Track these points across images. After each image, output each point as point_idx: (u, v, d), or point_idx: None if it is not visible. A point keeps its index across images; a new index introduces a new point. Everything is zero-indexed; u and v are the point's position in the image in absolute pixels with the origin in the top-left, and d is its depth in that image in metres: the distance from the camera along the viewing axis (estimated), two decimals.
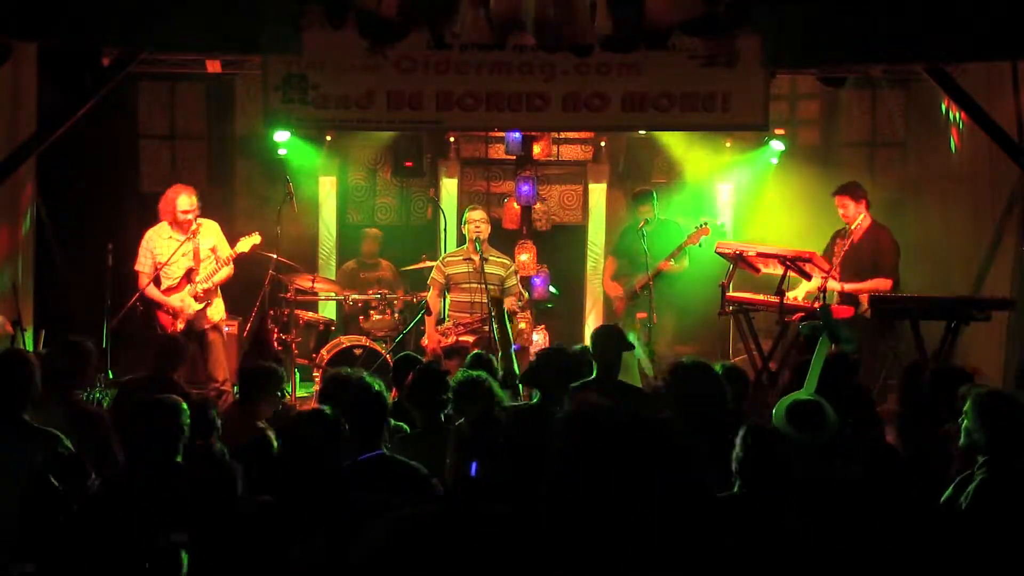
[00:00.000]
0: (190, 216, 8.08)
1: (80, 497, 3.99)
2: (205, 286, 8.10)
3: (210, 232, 8.21)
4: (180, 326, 8.05)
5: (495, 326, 7.17)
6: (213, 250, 8.17)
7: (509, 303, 8.16)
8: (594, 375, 5.70)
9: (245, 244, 8.23)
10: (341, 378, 4.99)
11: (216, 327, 8.20)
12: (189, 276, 8.08)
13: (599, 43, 7.63)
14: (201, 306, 8.09)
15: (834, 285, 7.75)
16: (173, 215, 8.08)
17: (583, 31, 7.45)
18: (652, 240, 8.81)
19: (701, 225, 8.84)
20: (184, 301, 8.06)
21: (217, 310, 8.24)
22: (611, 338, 5.89)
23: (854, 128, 10.49)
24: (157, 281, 8.09)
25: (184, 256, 8.08)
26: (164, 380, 6.13)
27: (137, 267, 8.15)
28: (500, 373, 5.81)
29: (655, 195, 9.16)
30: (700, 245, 8.69)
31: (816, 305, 7.43)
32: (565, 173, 10.68)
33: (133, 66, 7.76)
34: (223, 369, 8.13)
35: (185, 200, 8.09)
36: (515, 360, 6.15)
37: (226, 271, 8.21)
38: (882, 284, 7.74)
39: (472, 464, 3.92)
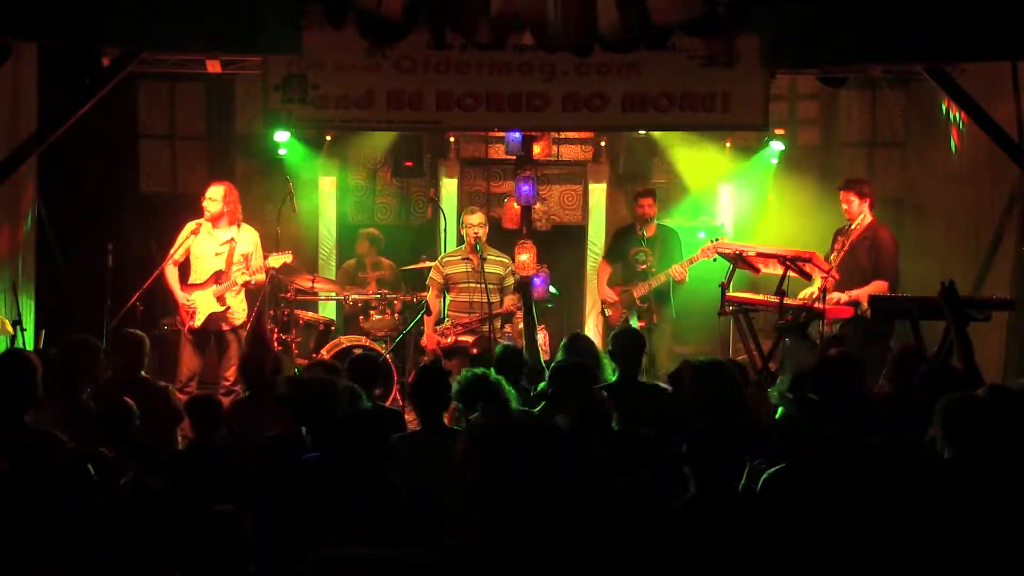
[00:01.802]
0: (215, 205, 8.05)
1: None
2: (231, 292, 8.09)
3: (248, 238, 8.21)
4: (197, 323, 8.05)
5: (523, 317, 7.16)
6: (246, 257, 8.17)
7: (509, 302, 8.16)
8: (615, 378, 5.71)
9: (277, 260, 8.20)
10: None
11: (234, 330, 8.20)
12: (218, 278, 8.08)
13: (599, 43, 7.63)
14: (223, 308, 8.09)
15: (838, 296, 7.68)
16: (202, 206, 8.11)
17: (583, 31, 7.45)
18: (657, 247, 8.77)
19: (716, 239, 8.63)
20: (191, 300, 8.05)
21: (238, 314, 8.23)
22: (632, 340, 5.92)
23: (854, 128, 10.49)
24: (185, 273, 8.11)
25: (218, 256, 8.09)
26: (135, 380, 5.99)
27: (170, 249, 8.16)
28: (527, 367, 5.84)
29: (656, 193, 9.09)
30: (715, 260, 8.37)
31: (817, 306, 7.43)
32: (565, 173, 10.68)
33: (133, 66, 7.76)
34: (234, 369, 8.13)
35: (213, 189, 8.13)
36: (540, 353, 6.15)
37: (258, 278, 8.20)
38: (879, 287, 7.70)
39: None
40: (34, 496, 3.78)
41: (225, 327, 8.15)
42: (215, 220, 8.10)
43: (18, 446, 4.26)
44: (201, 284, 8.11)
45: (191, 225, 8.15)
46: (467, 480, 2.35)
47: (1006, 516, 3.73)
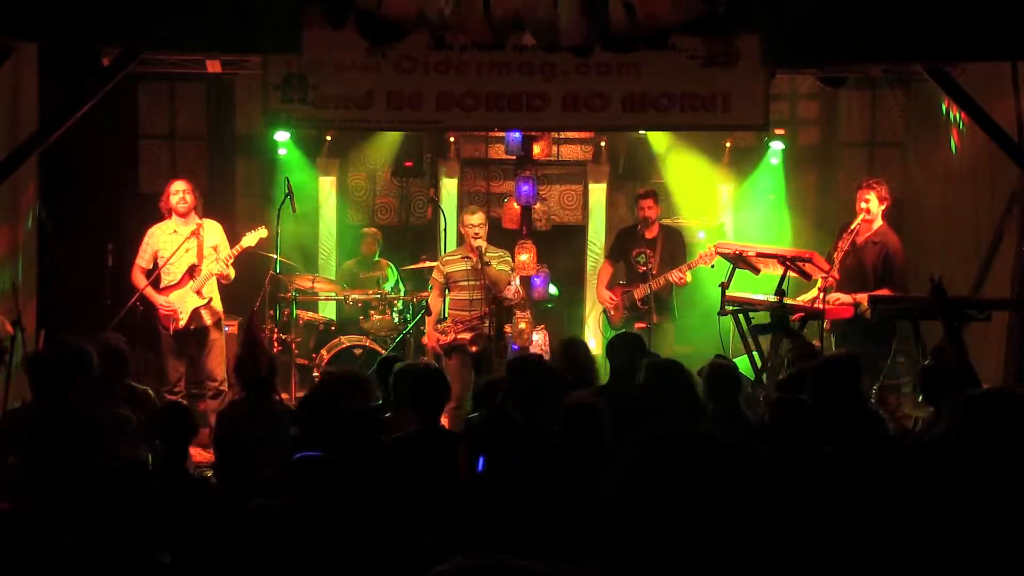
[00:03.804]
0: (185, 199, 8.04)
1: None
2: (207, 286, 8.08)
3: (213, 231, 8.20)
4: (182, 324, 8.03)
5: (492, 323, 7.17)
6: (215, 249, 8.16)
7: (508, 293, 8.17)
8: (606, 381, 5.70)
9: (252, 238, 8.17)
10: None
11: (216, 325, 8.19)
12: (192, 273, 8.07)
13: (599, 43, 7.63)
14: (204, 301, 8.07)
15: (843, 298, 7.67)
16: (168, 203, 8.09)
17: (583, 31, 7.45)
18: (659, 248, 8.74)
19: (710, 248, 8.47)
20: (172, 303, 8.03)
21: (216, 308, 8.22)
22: (626, 345, 5.90)
23: (854, 128, 10.50)
24: (156, 278, 8.07)
25: (187, 252, 8.07)
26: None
27: (136, 259, 8.15)
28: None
29: (658, 195, 9.09)
30: (712, 267, 8.29)
31: (818, 306, 7.43)
32: (565, 173, 10.69)
33: (133, 66, 7.75)
34: (221, 368, 8.11)
35: (177, 184, 8.14)
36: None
37: (230, 271, 8.18)
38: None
39: (479, 459, 3.94)
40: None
41: (209, 320, 8.11)
42: (186, 215, 8.08)
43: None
44: (177, 284, 8.06)
45: (181, 226, 8.08)
46: (625, 492, 2.25)
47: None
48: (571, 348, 6.07)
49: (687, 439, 2.26)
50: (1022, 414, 4.01)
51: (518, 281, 8.40)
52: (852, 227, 7.88)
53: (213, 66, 8.41)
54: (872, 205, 7.85)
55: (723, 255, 8.08)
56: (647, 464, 2.18)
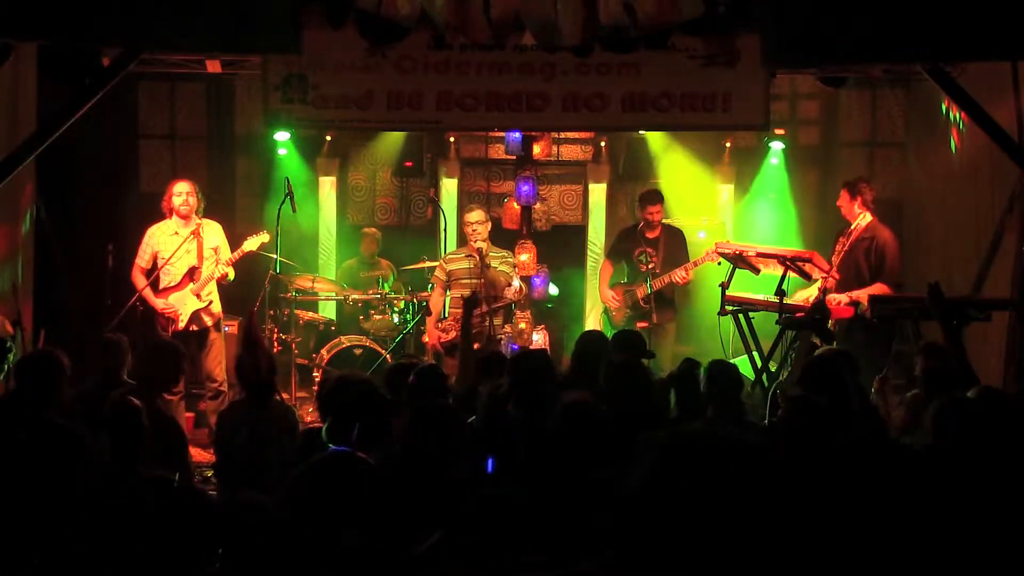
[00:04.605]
0: (188, 201, 8.02)
1: None
2: (206, 288, 8.07)
3: (214, 232, 8.19)
4: (182, 325, 8.02)
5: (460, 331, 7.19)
6: (215, 250, 8.15)
7: (510, 293, 8.18)
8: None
9: (253, 243, 8.16)
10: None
11: (216, 325, 8.18)
12: (192, 275, 8.05)
13: (599, 43, 7.63)
14: (204, 304, 8.06)
15: (840, 297, 7.70)
16: (171, 203, 8.07)
17: (583, 31, 7.45)
18: (661, 248, 8.74)
19: (713, 247, 8.46)
20: (171, 304, 8.01)
21: (216, 310, 8.21)
22: (628, 344, 5.89)
23: (854, 128, 10.50)
24: (156, 279, 8.06)
25: (188, 253, 8.06)
26: (120, 385, 5.72)
27: (135, 259, 8.13)
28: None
29: (663, 196, 9.07)
30: (719, 263, 8.29)
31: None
32: (565, 173, 10.69)
33: (133, 66, 7.75)
34: (221, 368, 8.10)
35: (181, 186, 8.11)
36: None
37: (230, 272, 8.16)
38: (881, 290, 7.70)
39: (489, 460, 3.94)
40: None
41: (208, 322, 8.10)
42: (187, 217, 8.07)
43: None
44: (177, 285, 8.04)
45: (181, 227, 8.07)
46: (645, 490, 2.23)
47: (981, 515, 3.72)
48: (580, 344, 6.05)
49: (705, 440, 2.26)
50: (992, 417, 4.05)
51: (517, 282, 8.38)
52: (849, 229, 7.97)
53: (213, 66, 8.40)
54: (844, 203, 7.98)
55: (723, 255, 8.09)
56: (667, 464, 2.19)
